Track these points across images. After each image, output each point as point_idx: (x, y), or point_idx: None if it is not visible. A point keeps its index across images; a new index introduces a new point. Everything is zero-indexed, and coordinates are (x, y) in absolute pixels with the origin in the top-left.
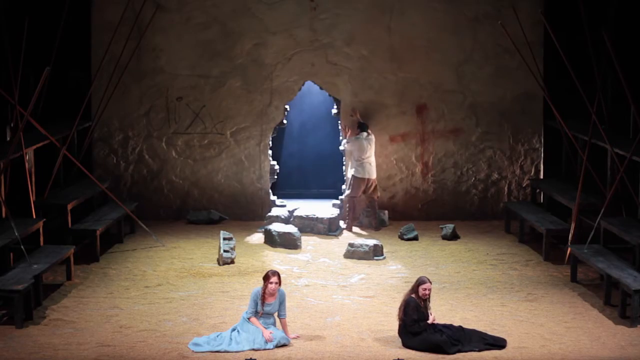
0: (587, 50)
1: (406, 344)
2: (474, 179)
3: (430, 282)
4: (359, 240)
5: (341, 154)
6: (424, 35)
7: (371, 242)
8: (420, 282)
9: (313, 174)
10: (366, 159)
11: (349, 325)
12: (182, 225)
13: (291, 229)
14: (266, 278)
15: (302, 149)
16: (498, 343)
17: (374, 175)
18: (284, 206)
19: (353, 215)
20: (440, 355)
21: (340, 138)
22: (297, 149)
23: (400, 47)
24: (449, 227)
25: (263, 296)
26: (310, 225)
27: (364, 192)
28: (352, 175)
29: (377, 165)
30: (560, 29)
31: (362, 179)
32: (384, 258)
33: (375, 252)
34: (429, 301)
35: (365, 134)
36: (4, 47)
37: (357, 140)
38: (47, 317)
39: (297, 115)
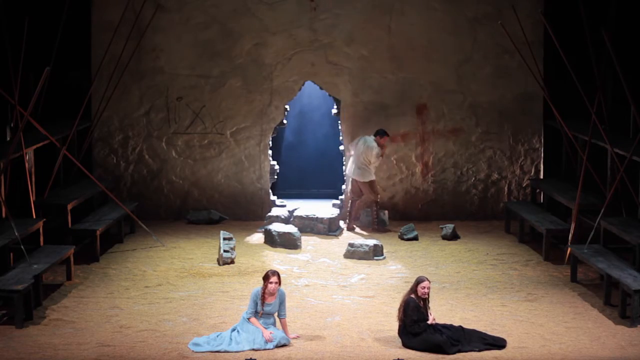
0: (587, 50)
1: (406, 344)
2: (474, 179)
3: (429, 281)
4: (359, 240)
5: (341, 154)
6: (424, 35)
7: (371, 242)
8: (418, 281)
9: (313, 174)
10: (355, 159)
11: (349, 325)
12: (182, 225)
13: (291, 229)
14: (266, 278)
15: (302, 149)
16: (498, 343)
17: (359, 178)
18: (284, 206)
19: (351, 215)
20: (440, 356)
21: (340, 138)
22: (297, 149)
23: (400, 47)
24: (449, 227)
25: (263, 296)
26: (310, 225)
27: (361, 193)
28: None
29: (378, 165)
30: (560, 29)
31: (349, 178)
32: (384, 258)
33: (375, 252)
34: (429, 301)
35: (370, 137)
36: (4, 47)
37: (358, 140)
38: (47, 317)
39: (297, 115)
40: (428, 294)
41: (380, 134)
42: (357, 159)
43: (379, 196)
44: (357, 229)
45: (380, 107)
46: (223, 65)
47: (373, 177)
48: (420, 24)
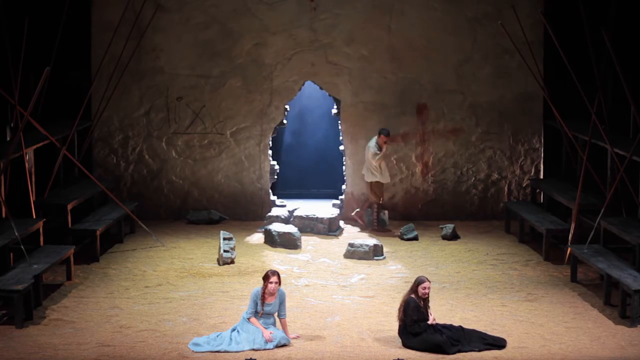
0: (587, 50)
1: (406, 344)
2: (474, 179)
3: (430, 281)
4: (359, 240)
5: (341, 154)
6: (424, 35)
7: (371, 242)
8: (419, 281)
9: (313, 174)
10: (365, 159)
11: (349, 325)
12: (182, 225)
13: (291, 229)
14: (266, 278)
15: (302, 149)
16: (498, 343)
17: (365, 178)
18: (284, 206)
19: (361, 208)
20: (440, 356)
21: (340, 138)
22: (297, 149)
23: (400, 47)
24: (449, 227)
25: (263, 296)
26: (310, 225)
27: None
28: None
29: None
30: (560, 29)
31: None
32: (384, 258)
33: (375, 252)
34: (429, 301)
35: (373, 138)
36: (4, 47)
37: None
38: (47, 317)
39: (297, 115)
40: (428, 294)
41: (380, 133)
42: (365, 159)
43: (380, 199)
44: (357, 229)
45: (380, 107)
46: (223, 65)
47: (377, 179)
48: (420, 24)
